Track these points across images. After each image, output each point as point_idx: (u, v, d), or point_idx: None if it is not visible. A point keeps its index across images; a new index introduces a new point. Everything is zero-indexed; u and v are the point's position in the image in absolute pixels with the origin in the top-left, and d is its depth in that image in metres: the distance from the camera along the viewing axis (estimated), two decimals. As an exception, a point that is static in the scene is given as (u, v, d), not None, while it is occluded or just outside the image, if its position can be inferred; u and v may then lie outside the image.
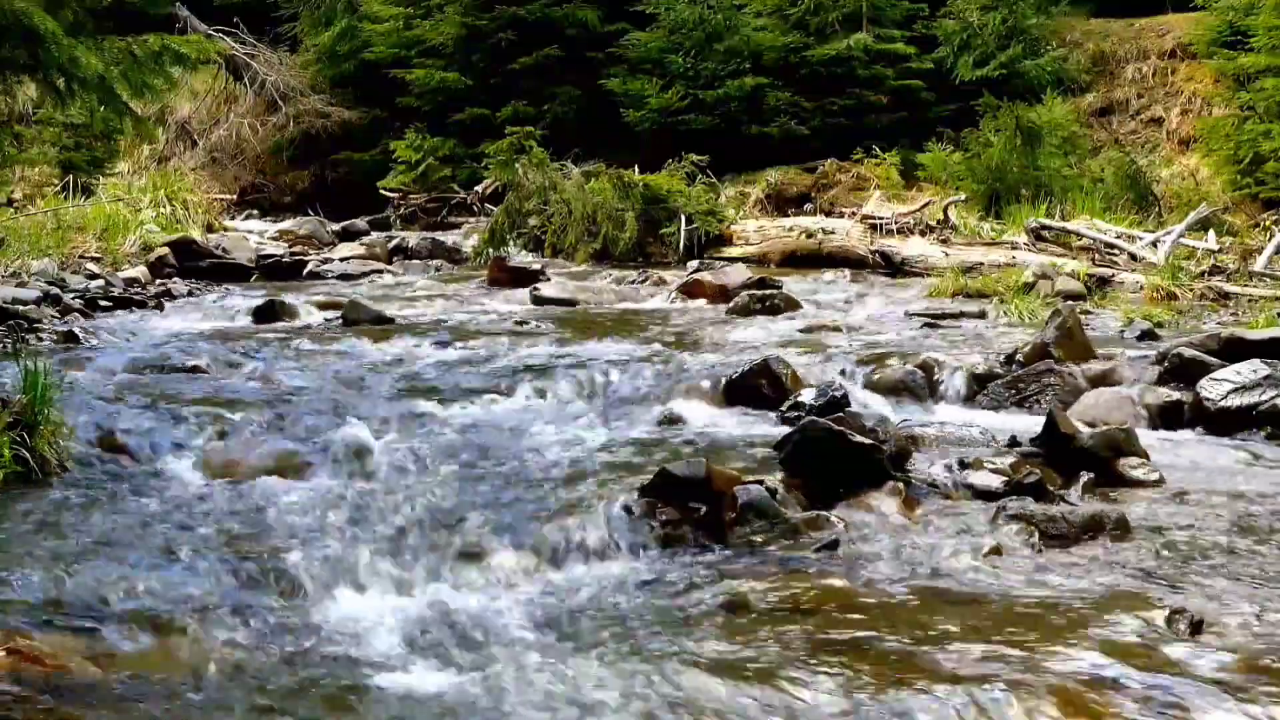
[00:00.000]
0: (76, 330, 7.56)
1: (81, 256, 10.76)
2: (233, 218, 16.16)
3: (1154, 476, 4.65)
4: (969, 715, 2.76)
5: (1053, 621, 3.28)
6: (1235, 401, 5.45)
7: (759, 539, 3.96)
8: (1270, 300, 8.41)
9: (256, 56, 19.28)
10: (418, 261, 13.19)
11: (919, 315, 8.42)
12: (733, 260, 11.60)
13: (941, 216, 12.49)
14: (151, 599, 3.40)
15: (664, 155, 14.40)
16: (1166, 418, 5.58)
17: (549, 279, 10.39)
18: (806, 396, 5.61)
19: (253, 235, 13.99)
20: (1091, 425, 5.10)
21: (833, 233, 12.09)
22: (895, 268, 11.40)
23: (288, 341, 7.37)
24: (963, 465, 4.56)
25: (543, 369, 6.45)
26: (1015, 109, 12.90)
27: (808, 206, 15.07)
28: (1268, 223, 11.63)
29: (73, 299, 8.79)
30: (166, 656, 3.10)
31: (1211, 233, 10.57)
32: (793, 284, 9.97)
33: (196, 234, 12.48)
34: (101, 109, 9.17)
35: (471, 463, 4.80)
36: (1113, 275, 9.94)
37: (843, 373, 6.30)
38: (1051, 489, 4.41)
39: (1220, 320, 8.13)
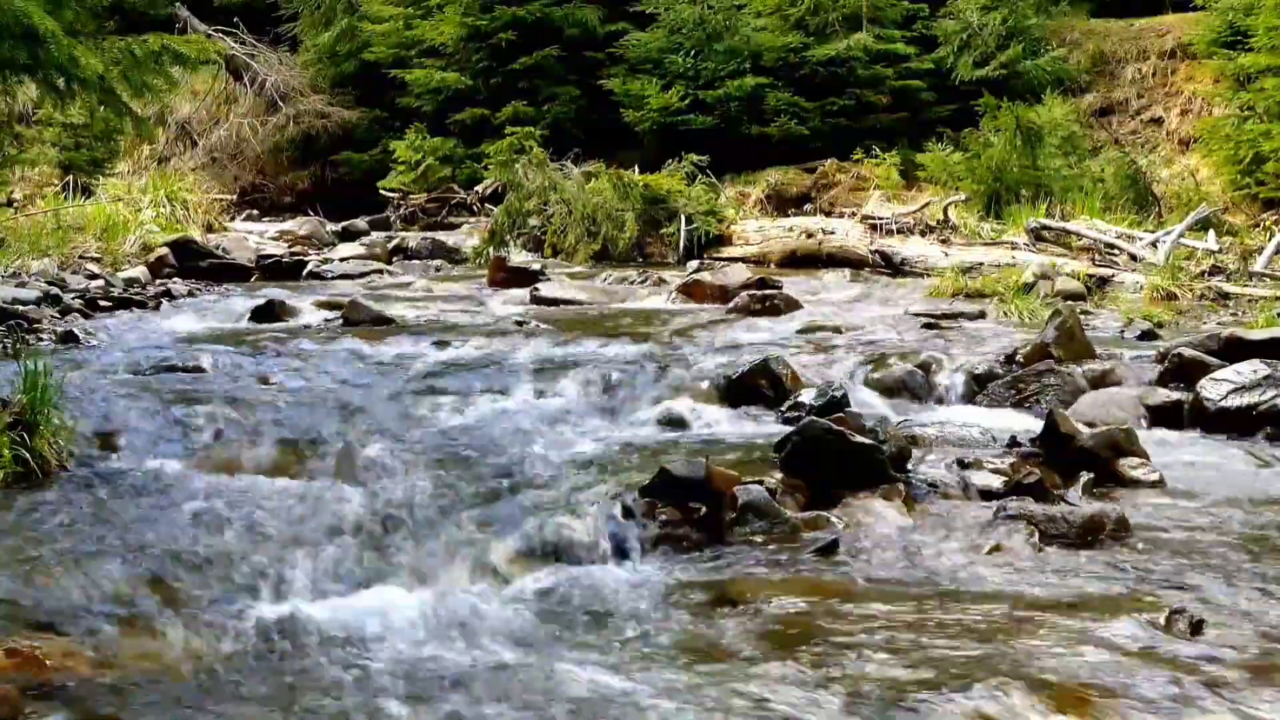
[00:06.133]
0: (76, 330, 7.56)
1: (81, 257, 10.75)
2: (233, 218, 16.16)
3: (1154, 476, 4.65)
4: (968, 715, 2.76)
5: (1052, 621, 3.28)
6: (1235, 401, 5.44)
7: (759, 539, 3.96)
8: (1270, 300, 8.41)
9: (256, 56, 19.30)
10: (418, 262, 13.20)
11: (919, 315, 8.41)
12: (733, 260, 11.60)
13: (941, 216, 12.49)
14: (152, 599, 3.39)
15: (664, 155, 14.41)
16: (1166, 418, 5.58)
17: (549, 279, 10.39)
18: (806, 396, 5.60)
19: (253, 235, 14.00)
20: (1091, 425, 5.10)
21: (833, 233, 12.09)
22: (895, 268, 11.40)
23: (287, 342, 7.37)
24: (963, 465, 4.56)
25: (542, 369, 6.44)
26: (1015, 109, 12.90)
27: (808, 207, 15.09)
28: (1268, 223, 11.64)
29: (73, 299, 8.78)
30: (167, 656, 3.10)
31: (1211, 233, 10.57)
32: (793, 284, 9.97)
33: (196, 234, 12.48)
34: (101, 109, 9.18)
35: (471, 462, 4.80)
36: (1113, 275, 9.93)
37: (843, 373, 6.30)
38: (1051, 489, 4.41)
39: (1220, 320, 8.13)
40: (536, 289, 9.79)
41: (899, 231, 12.38)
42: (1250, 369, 5.56)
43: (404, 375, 6.38)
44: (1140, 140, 15.25)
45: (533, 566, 3.83)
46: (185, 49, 7.60)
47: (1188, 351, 6.05)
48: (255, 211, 18.03)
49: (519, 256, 12.20)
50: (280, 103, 19.10)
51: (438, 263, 13.09)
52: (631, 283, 10.56)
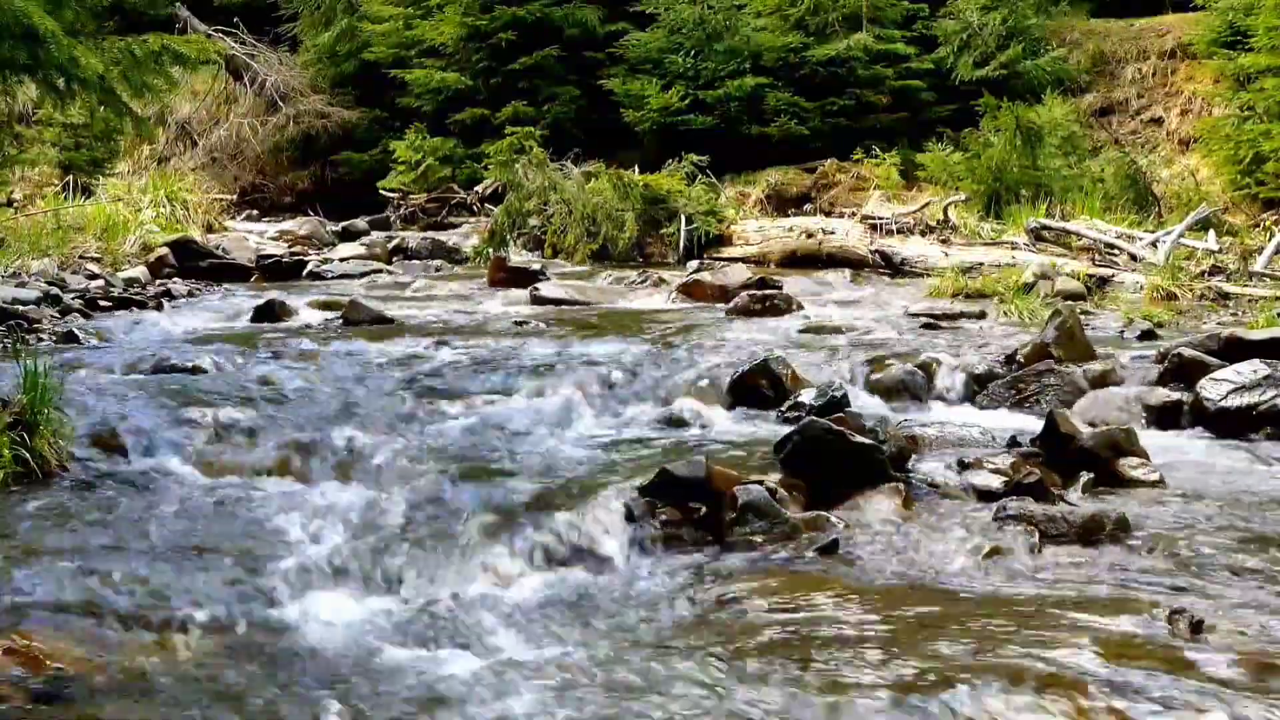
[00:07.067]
0: (76, 330, 7.56)
1: (81, 257, 10.76)
2: (233, 218, 16.17)
3: (1154, 476, 4.64)
4: (968, 715, 2.76)
5: (1052, 621, 3.28)
6: (1235, 401, 5.44)
7: (759, 539, 3.96)
8: (1270, 300, 8.40)
9: (256, 57, 19.31)
10: (418, 262, 13.20)
11: (919, 315, 8.41)
12: (733, 260, 11.60)
13: (941, 216, 12.49)
14: (151, 599, 3.40)
15: (664, 155, 14.42)
16: (1166, 418, 5.58)
17: (549, 279, 10.39)
18: (806, 396, 5.60)
19: (253, 235, 14.01)
20: (1092, 425, 5.10)
21: (833, 233, 12.08)
22: (895, 268, 11.40)
23: (287, 341, 7.37)
24: (963, 465, 4.56)
25: (542, 369, 6.44)
26: (1015, 109, 12.90)
27: (808, 207, 15.09)
28: (1268, 223, 11.63)
29: (73, 299, 8.79)
30: (166, 656, 3.11)
31: (1211, 233, 10.56)
32: (793, 284, 9.97)
33: (196, 234, 12.49)
34: (101, 109, 9.19)
35: (470, 463, 4.80)
36: (1113, 275, 9.93)
37: (843, 373, 6.30)
38: (1051, 489, 4.40)
39: (1220, 320, 8.12)
40: (536, 289, 9.79)
41: (899, 231, 12.38)
42: (1250, 369, 5.55)
43: (404, 375, 6.38)
44: (1140, 140, 15.25)
45: (532, 567, 3.83)
46: (185, 49, 7.61)
47: (1188, 351, 6.05)
48: (255, 211, 18.04)
49: (519, 256, 12.20)
50: (280, 103, 19.11)
51: (438, 263, 13.09)
52: (631, 283, 10.57)
